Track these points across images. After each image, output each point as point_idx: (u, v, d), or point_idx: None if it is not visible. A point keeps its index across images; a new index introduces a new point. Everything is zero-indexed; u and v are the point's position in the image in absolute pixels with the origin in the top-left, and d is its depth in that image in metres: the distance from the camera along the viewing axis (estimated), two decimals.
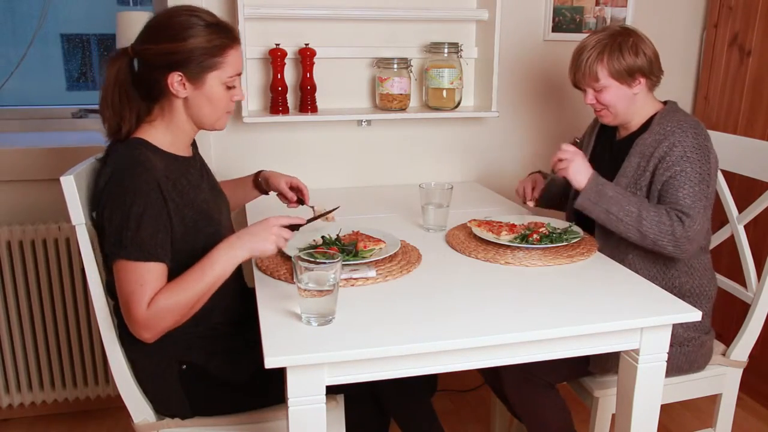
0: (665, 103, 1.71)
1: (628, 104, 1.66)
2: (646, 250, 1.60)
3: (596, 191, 1.56)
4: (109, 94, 1.35)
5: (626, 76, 1.62)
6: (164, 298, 1.23)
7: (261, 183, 1.73)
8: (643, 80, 1.64)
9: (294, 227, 1.34)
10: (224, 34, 1.35)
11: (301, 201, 1.68)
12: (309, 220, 1.45)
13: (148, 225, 1.25)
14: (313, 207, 1.63)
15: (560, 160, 1.60)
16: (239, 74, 1.40)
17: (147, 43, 1.34)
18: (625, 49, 1.61)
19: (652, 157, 1.59)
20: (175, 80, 1.33)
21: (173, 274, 1.27)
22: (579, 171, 1.58)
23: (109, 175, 1.28)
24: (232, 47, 1.37)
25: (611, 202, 1.54)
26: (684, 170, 1.54)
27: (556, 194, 1.93)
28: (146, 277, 1.23)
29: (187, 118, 1.40)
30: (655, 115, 1.66)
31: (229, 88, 1.39)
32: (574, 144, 1.68)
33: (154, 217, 1.26)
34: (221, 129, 1.45)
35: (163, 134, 1.39)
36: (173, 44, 1.31)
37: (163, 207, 1.29)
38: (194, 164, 1.47)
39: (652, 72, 1.64)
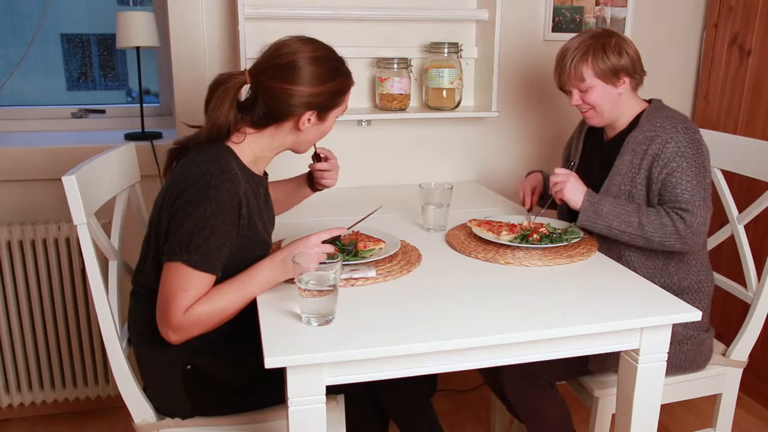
0: (650, 101, 1.73)
1: (614, 104, 1.68)
2: (648, 250, 1.61)
3: (593, 210, 1.58)
4: (216, 113, 1.36)
5: (611, 76, 1.64)
6: (202, 307, 1.25)
7: (314, 183, 1.71)
8: (627, 80, 1.66)
9: (332, 240, 1.35)
10: (347, 75, 1.44)
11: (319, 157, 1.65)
12: (350, 228, 1.46)
13: (218, 238, 1.26)
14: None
15: (555, 184, 1.63)
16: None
17: (277, 81, 1.35)
18: (608, 49, 1.64)
19: (646, 154, 1.61)
20: (307, 118, 1.38)
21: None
22: (573, 191, 1.61)
23: (196, 177, 1.27)
24: (351, 86, 1.45)
25: (610, 217, 1.57)
26: (680, 166, 1.57)
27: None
28: (194, 284, 1.25)
29: (286, 143, 1.44)
30: (642, 113, 1.69)
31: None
32: (568, 167, 1.70)
33: (226, 231, 1.27)
34: (305, 152, 1.52)
35: (253, 148, 1.41)
36: (309, 87, 1.35)
37: (236, 223, 1.30)
38: (263, 184, 1.49)
39: (635, 71, 1.68)
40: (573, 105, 1.71)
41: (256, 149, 1.42)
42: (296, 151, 1.49)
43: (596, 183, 1.69)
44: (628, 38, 1.69)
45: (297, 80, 1.35)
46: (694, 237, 1.55)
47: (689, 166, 1.57)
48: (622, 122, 1.72)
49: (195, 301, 1.24)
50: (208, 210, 1.25)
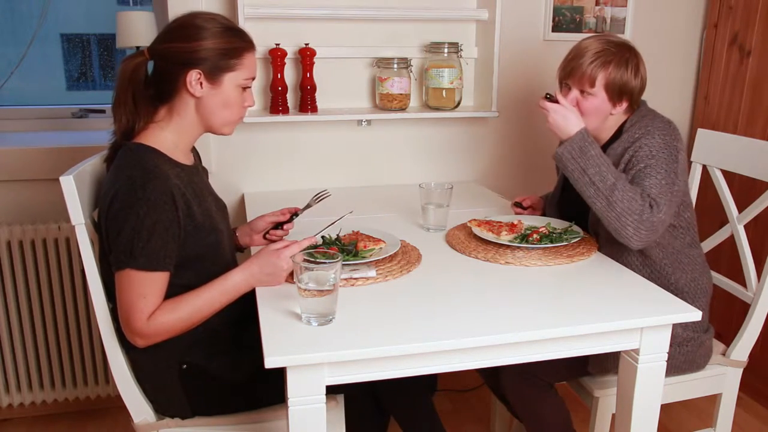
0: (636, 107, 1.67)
1: (601, 120, 1.64)
2: (642, 251, 1.60)
3: (580, 146, 1.51)
4: (123, 93, 1.37)
5: (616, 94, 1.60)
6: (166, 314, 1.26)
7: (238, 239, 1.67)
8: (626, 104, 1.63)
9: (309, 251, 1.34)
10: (242, 38, 1.40)
11: (294, 214, 1.63)
12: (317, 234, 1.46)
13: (159, 236, 1.26)
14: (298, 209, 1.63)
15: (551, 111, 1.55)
16: (253, 78, 1.43)
17: (167, 42, 1.37)
18: (630, 66, 1.60)
19: (620, 161, 1.58)
20: (193, 78, 1.35)
21: (171, 280, 1.30)
22: (567, 119, 1.54)
23: (121, 183, 1.28)
24: (249, 51, 1.41)
25: (590, 163, 1.50)
26: (650, 165, 1.52)
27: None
28: (150, 288, 1.25)
29: (195, 120, 1.40)
30: (625, 122, 1.65)
31: (243, 90, 1.42)
32: (547, 98, 1.61)
33: (165, 228, 1.27)
34: (228, 134, 1.47)
35: (168, 135, 1.40)
36: (193, 43, 1.34)
37: (174, 217, 1.29)
38: (197, 173, 1.48)
39: (637, 97, 1.64)
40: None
41: (171, 137, 1.40)
42: (214, 130, 1.44)
43: (580, 196, 1.65)
44: (643, 60, 1.64)
45: (181, 38, 1.35)
46: (649, 232, 1.48)
47: (660, 166, 1.52)
48: (604, 137, 1.68)
49: (156, 305, 1.26)
50: (141, 212, 1.24)
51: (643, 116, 1.64)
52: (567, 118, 1.55)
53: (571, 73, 1.64)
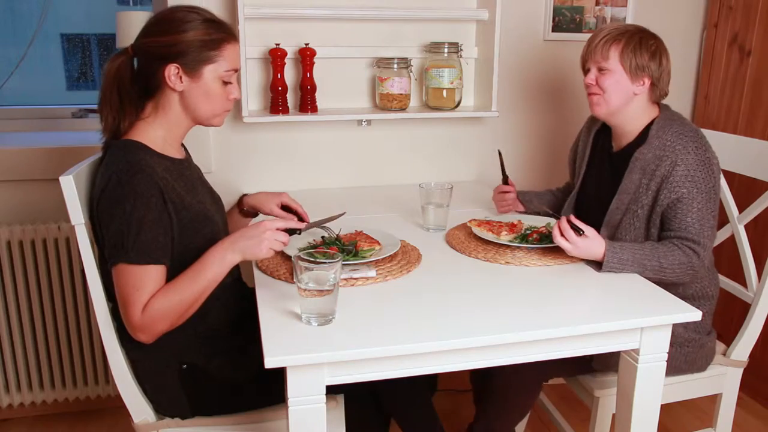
0: (659, 107, 1.67)
1: (625, 100, 1.61)
2: None
3: (618, 260, 1.47)
4: (108, 92, 1.37)
5: (634, 70, 1.58)
6: (158, 302, 1.25)
7: (248, 211, 1.69)
8: (647, 83, 1.60)
9: (291, 231, 1.34)
10: (221, 29, 1.38)
11: (299, 219, 1.60)
12: (309, 226, 1.45)
13: (149, 228, 1.26)
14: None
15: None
16: (236, 70, 1.42)
17: (146, 37, 1.36)
18: (644, 46, 1.59)
19: (654, 175, 1.55)
20: (172, 72, 1.34)
21: (170, 276, 1.29)
22: (589, 247, 1.48)
23: (107, 180, 1.28)
24: (229, 42, 1.39)
25: (633, 265, 1.47)
26: (690, 192, 1.51)
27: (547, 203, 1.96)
28: (144, 280, 1.25)
29: (182, 113, 1.40)
30: (651, 124, 1.62)
31: (225, 83, 1.40)
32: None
33: (155, 220, 1.27)
34: (218, 125, 1.46)
35: (156, 131, 1.40)
36: (171, 36, 1.33)
37: (163, 209, 1.29)
38: (188, 166, 1.48)
39: (659, 81, 1.62)
40: (586, 83, 1.64)
41: (160, 133, 1.40)
42: (203, 123, 1.44)
43: (605, 197, 1.65)
44: (668, 52, 1.64)
45: (159, 32, 1.34)
46: (702, 267, 1.54)
47: (699, 192, 1.51)
48: (631, 131, 1.64)
49: (150, 297, 1.25)
50: (128, 206, 1.24)
51: (671, 119, 1.61)
52: (588, 246, 1.48)
53: (587, 52, 1.65)
